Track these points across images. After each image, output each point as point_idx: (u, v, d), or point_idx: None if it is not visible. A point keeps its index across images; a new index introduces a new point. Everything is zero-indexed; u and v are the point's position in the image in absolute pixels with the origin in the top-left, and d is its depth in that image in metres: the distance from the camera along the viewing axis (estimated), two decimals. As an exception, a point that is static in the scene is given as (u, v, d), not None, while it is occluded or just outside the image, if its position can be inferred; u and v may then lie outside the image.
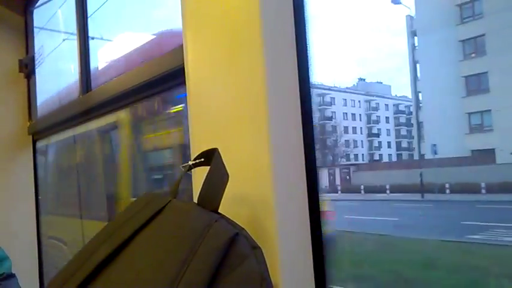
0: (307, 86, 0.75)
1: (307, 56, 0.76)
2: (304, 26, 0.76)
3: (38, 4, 2.22)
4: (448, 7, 24.31)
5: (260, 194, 0.69)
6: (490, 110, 22.98)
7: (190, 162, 0.69)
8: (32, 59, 2.19)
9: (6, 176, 2.09)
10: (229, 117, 0.76)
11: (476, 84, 23.50)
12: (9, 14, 2.16)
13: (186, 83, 0.86)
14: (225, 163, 0.65)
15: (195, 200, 0.63)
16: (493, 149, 22.20)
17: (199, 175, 0.66)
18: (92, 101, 1.55)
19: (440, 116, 24.38)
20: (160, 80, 1.08)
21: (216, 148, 0.65)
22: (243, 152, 0.72)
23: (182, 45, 0.88)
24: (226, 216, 0.62)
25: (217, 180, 0.64)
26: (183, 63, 0.87)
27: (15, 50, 2.17)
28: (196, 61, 0.84)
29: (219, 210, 0.63)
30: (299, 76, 0.75)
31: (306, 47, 0.76)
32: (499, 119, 22.08)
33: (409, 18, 30.17)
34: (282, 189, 0.68)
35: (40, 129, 2.09)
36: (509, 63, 21.17)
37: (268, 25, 0.70)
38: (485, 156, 22.52)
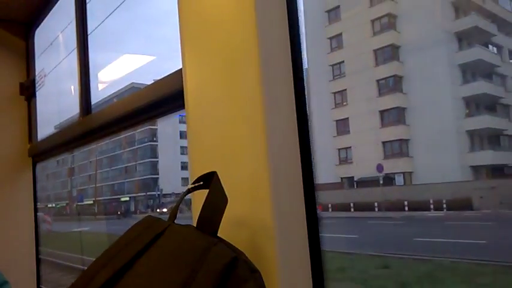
0: (304, 108, 0.76)
1: (302, 79, 0.77)
2: (300, 49, 0.77)
3: (39, 27, 2.25)
4: (325, 67, 34.71)
5: (259, 217, 0.69)
6: (350, 147, 32.85)
7: (189, 186, 0.70)
8: (33, 82, 2.20)
9: (6, 197, 2.08)
10: (227, 140, 0.76)
11: (342, 126, 33.64)
12: (10, 37, 2.19)
13: (185, 106, 0.87)
14: (224, 186, 0.65)
15: (194, 223, 0.63)
16: (353, 177, 31.74)
17: (199, 198, 0.66)
18: (92, 124, 1.55)
19: (320, 150, 30.61)
20: (160, 103, 1.09)
21: (215, 171, 0.65)
22: (241, 175, 0.72)
23: (181, 68, 0.89)
24: (225, 239, 0.62)
25: (216, 204, 0.64)
26: (182, 86, 0.88)
27: (17, 73, 2.19)
28: (194, 84, 0.85)
29: (218, 234, 0.63)
30: (296, 99, 0.75)
31: (302, 70, 0.77)
32: (356, 154, 32.31)
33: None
34: (281, 212, 0.68)
35: (40, 151, 2.09)
36: (361, 112, 32.22)
37: (266, 49, 0.71)
38: (349, 182, 31.96)
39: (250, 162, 0.71)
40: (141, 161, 56.82)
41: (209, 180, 0.65)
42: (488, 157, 30.34)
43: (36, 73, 2.23)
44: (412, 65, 31.50)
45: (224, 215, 0.64)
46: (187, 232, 0.62)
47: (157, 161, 56.10)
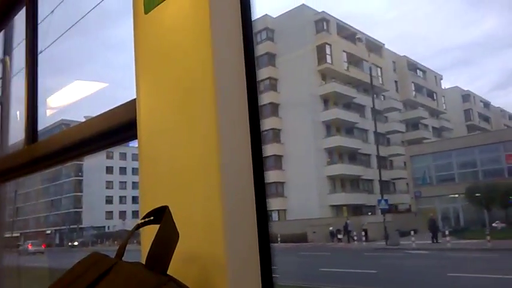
0: (259, 143, 0.76)
1: (258, 114, 0.77)
2: (255, 84, 0.78)
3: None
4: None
5: (211, 253, 0.67)
6: (284, 182, 37.30)
7: (139, 221, 0.67)
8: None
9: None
10: (180, 173, 0.74)
11: (273, 162, 37.46)
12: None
13: (138, 136, 0.85)
14: (175, 221, 0.63)
15: (143, 261, 0.61)
16: (285, 210, 36.52)
17: (149, 234, 0.64)
18: (37, 152, 1.43)
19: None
20: (112, 132, 1.05)
21: (167, 206, 0.64)
22: (194, 209, 0.71)
23: (135, 98, 0.87)
24: (176, 277, 0.61)
25: (167, 240, 0.61)
26: (136, 116, 0.86)
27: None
28: (148, 115, 0.83)
29: (168, 271, 0.61)
30: (251, 132, 0.75)
31: (257, 105, 0.78)
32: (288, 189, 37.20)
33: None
34: (234, 248, 0.67)
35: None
36: (292, 153, 36.78)
37: (222, 83, 0.72)
38: (282, 215, 35.86)
39: (203, 196, 0.70)
40: (66, 195, 59.33)
41: (160, 215, 0.63)
42: (343, 198, 37.13)
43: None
44: (288, 120, 38.20)
45: (175, 251, 0.62)
46: (135, 270, 0.59)
47: (82, 195, 58.90)
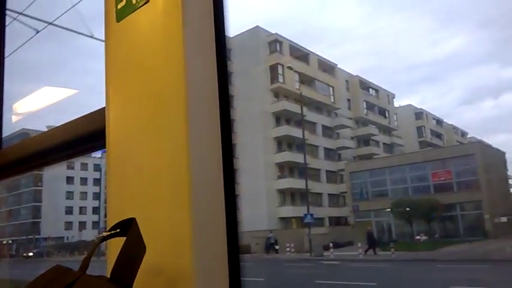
0: (230, 155, 0.75)
1: (230, 125, 0.76)
2: (228, 96, 0.77)
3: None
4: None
5: (179, 265, 0.66)
6: (238, 195, 39.07)
7: (104, 233, 0.65)
8: None
9: None
10: (149, 185, 0.73)
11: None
12: None
13: (106, 146, 0.83)
14: (143, 234, 0.62)
15: (108, 274, 0.60)
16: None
17: (115, 247, 0.63)
18: (2, 160, 1.37)
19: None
20: (80, 141, 1.03)
21: (134, 218, 0.63)
22: (162, 222, 0.70)
23: (104, 107, 0.86)
24: None
25: (133, 253, 0.61)
26: (105, 125, 0.84)
27: None
28: (117, 124, 0.82)
29: (134, 285, 0.60)
30: (222, 144, 0.74)
31: (229, 117, 0.77)
32: (241, 202, 39.56)
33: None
34: (202, 261, 0.66)
35: None
36: (245, 167, 36.33)
37: (193, 94, 0.70)
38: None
39: (172, 208, 0.69)
40: (25, 205, 58.94)
41: (127, 227, 0.62)
42: (291, 210, 38.99)
43: None
44: (242, 135, 39.90)
45: (142, 263, 0.61)
46: (99, 284, 0.58)
47: (41, 205, 58.67)
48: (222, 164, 0.74)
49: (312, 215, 28.93)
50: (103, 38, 0.88)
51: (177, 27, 0.73)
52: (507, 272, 15.32)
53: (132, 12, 0.80)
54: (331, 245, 24.29)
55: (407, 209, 28.88)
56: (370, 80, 54.56)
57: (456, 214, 31.25)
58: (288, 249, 26.92)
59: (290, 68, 38.76)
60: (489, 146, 38.51)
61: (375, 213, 33.45)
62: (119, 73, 0.84)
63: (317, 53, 46.62)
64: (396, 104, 61.89)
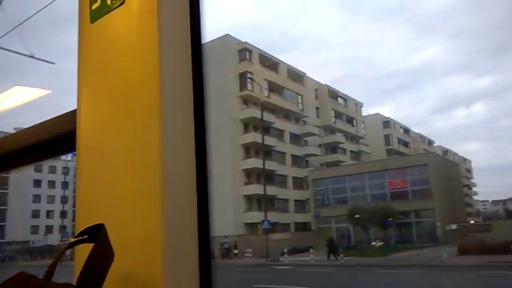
0: (205, 161, 0.75)
1: (204, 130, 0.76)
2: (203, 101, 0.77)
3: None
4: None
5: (149, 274, 0.65)
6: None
7: (71, 240, 0.64)
8: None
9: None
10: (120, 190, 0.72)
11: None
12: None
13: (77, 149, 0.82)
14: (112, 240, 0.61)
15: (74, 282, 0.59)
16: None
17: (83, 253, 0.62)
18: None
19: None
20: (48, 144, 1.00)
21: (103, 224, 0.62)
22: (133, 228, 0.69)
23: (75, 109, 0.85)
24: None
25: (101, 260, 0.60)
26: (75, 127, 0.83)
27: None
28: (89, 126, 0.81)
29: None
30: (196, 150, 0.74)
31: (204, 118, 0.76)
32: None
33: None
34: (173, 268, 0.65)
35: None
36: (213, 173, 41.51)
37: (168, 97, 0.70)
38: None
39: (143, 215, 0.68)
40: (-11, 208, 57.55)
41: (95, 233, 0.61)
42: (257, 216, 39.71)
43: None
44: (210, 141, 40.32)
45: (111, 271, 0.60)
46: None
47: (6, 208, 57.45)
48: (196, 170, 0.73)
49: (269, 221, 29.75)
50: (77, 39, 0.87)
51: (153, 30, 0.73)
52: (431, 277, 16.57)
53: (107, 13, 0.80)
54: (285, 250, 25.11)
55: (364, 215, 30.05)
56: (339, 89, 56.17)
57: (411, 221, 32.78)
58: (247, 254, 27.56)
59: (251, 79, 39.68)
60: (443, 157, 40.41)
61: (335, 220, 34.57)
62: (91, 75, 0.83)
63: (287, 62, 47.77)
64: (366, 112, 63.90)
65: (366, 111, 64.34)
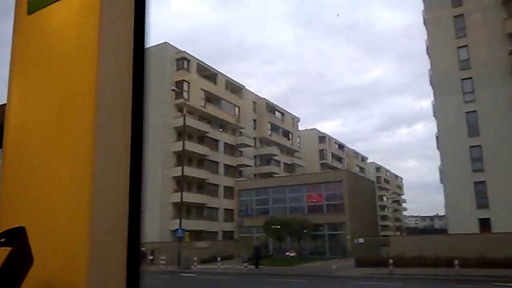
0: (139, 165, 0.71)
1: (141, 130, 0.73)
2: (142, 100, 0.74)
3: None
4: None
5: (71, 281, 0.62)
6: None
7: None
8: None
9: None
10: (47, 191, 0.69)
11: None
12: None
13: (3, 145, 0.78)
14: (34, 244, 0.59)
15: None
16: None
17: (1, 258, 0.59)
18: None
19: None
20: None
21: (23, 226, 0.59)
22: (58, 232, 0.65)
23: (5, 103, 0.81)
24: None
25: (17, 266, 0.57)
26: (3, 123, 0.79)
27: None
28: (18, 122, 0.76)
29: None
30: (131, 152, 0.70)
31: (142, 120, 0.73)
32: None
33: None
34: (98, 277, 0.63)
35: None
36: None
37: (105, 97, 0.67)
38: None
39: (70, 219, 0.65)
40: None
41: (15, 237, 0.58)
42: (185, 224, 40.16)
43: None
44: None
45: (30, 277, 0.58)
46: None
47: None
48: (130, 175, 0.70)
49: (183, 229, 30.50)
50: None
51: (93, 28, 0.69)
52: (310, 286, 18.30)
53: (46, 6, 0.75)
54: (195, 258, 26.00)
55: (278, 226, 31.66)
56: (288, 101, 58.18)
57: (324, 233, 34.87)
58: (161, 261, 28.07)
59: (174, 90, 40.36)
60: (357, 174, 43.07)
61: (256, 229, 35.95)
62: (25, 68, 0.78)
63: (225, 74, 49.01)
64: (313, 125, 66.58)
65: (314, 125, 66.97)
